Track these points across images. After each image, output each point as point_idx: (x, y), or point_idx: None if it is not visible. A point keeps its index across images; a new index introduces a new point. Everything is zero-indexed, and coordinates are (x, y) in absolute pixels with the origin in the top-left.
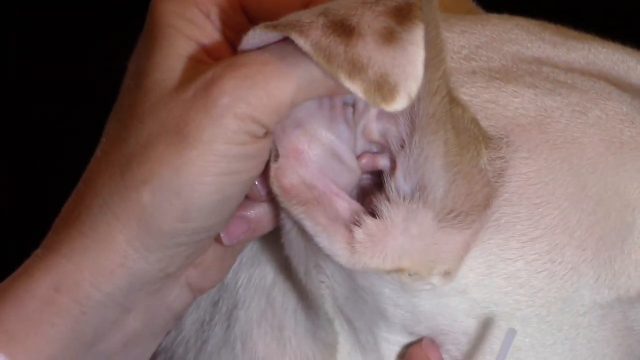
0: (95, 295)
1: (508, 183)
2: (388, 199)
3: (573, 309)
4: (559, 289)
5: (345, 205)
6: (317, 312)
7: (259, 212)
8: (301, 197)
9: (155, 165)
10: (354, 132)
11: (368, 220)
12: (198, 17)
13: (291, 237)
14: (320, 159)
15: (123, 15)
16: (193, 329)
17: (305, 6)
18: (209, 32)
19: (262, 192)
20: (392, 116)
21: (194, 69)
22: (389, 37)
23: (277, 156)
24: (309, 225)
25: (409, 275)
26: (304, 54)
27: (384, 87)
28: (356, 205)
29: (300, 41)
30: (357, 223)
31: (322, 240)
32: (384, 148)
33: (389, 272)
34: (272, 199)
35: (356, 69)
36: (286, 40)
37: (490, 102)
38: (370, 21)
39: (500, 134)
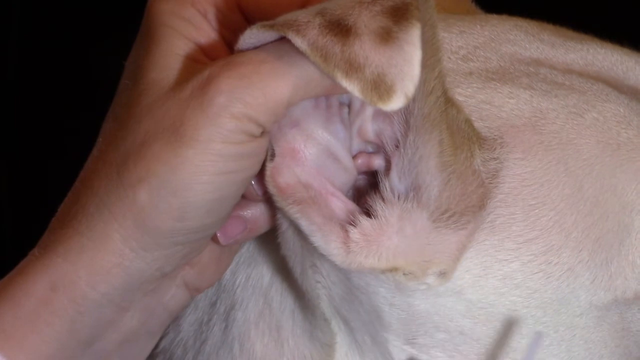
0: (91, 294)
1: (502, 184)
2: (383, 199)
3: (569, 310)
4: (555, 290)
5: (341, 205)
6: (314, 312)
7: (256, 212)
8: (297, 196)
9: (151, 164)
10: (350, 132)
11: (363, 220)
12: (195, 17)
13: (287, 236)
14: (316, 158)
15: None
16: (191, 330)
17: (302, 6)
18: (205, 32)
19: (259, 191)
20: (387, 116)
21: (191, 69)
22: (386, 37)
23: (273, 155)
24: (304, 224)
25: (404, 274)
26: (301, 53)
27: (380, 87)
28: (351, 205)
29: (297, 41)
30: (352, 223)
31: (317, 239)
32: (379, 148)
33: (383, 271)
34: (269, 199)
35: (353, 68)
36: (283, 39)
37: (486, 103)
38: (367, 21)
39: (495, 135)
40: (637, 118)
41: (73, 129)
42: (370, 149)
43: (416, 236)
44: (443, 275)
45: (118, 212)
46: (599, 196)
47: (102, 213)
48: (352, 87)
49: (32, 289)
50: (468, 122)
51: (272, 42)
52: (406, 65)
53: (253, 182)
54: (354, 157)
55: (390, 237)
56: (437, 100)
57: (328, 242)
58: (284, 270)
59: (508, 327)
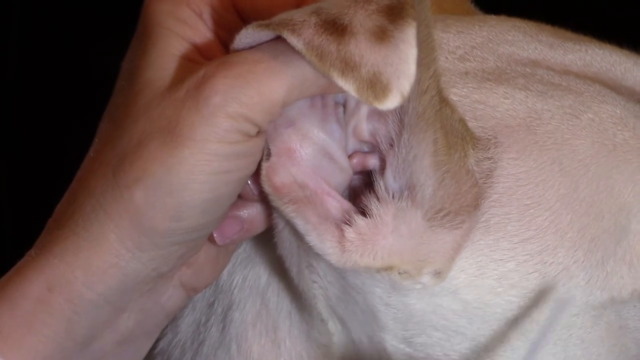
0: (88, 295)
1: (497, 184)
2: (378, 198)
3: (566, 310)
4: (551, 289)
5: (336, 204)
6: (310, 313)
7: (252, 212)
8: (292, 196)
9: (147, 164)
10: (345, 131)
11: (358, 220)
12: (190, 17)
13: (283, 236)
14: (312, 158)
15: (123, 15)
16: (189, 331)
17: (298, 5)
18: (201, 32)
19: (255, 191)
20: (382, 116)
21: (187, 69)
22: (382, 36)
23: (269, 155)
24: (299, 224)
25: (399, 274)
26: (297, 53)
27: (376, 86)
28: (347, 205)
29: (293, 40)
30: (347, 222)
31: (313, 239)
32: (374, 148)
33: (378, 270)
34: (265, 199)
35: (349, 67)
36: (278, 39)
37: (480, 103)
38: (363, 20)
39: (489, 135)
40: (634, 119)
41: (73, 129)
42: (365, 149)
43: (411, 235)
44: (438, 274)
45: (114, 213)
46: (594, 196)
47: (98, 213)
48: (348, 86)
49: (28, 290)
50: (462, 121)
51: (267, 41)
52: (402, 64)
53: (249, 182)
54: (350, 156)
55: (385, 236)
56: (432, 100)
57: (323, 241)
58: (280, 270)
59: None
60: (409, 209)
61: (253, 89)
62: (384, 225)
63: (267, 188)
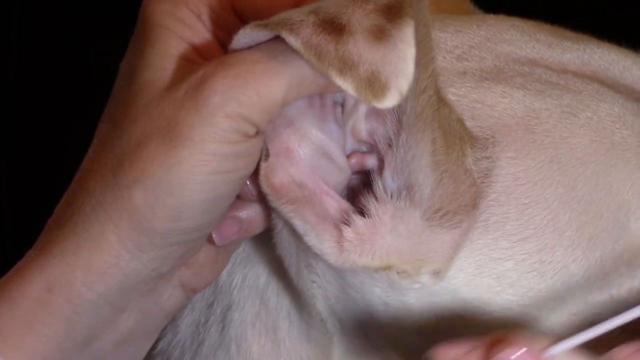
0: (87, 295)
1: (495, 183)
2: (376, 198)
3: (565, 308)
4: (550, 288)
5: (335, 204)
6: (310, 313)
7: (251, 213)
8: (290, 195)
9: (146, 164)
10: (344, 131)
11: (357, 219)
12: (189, 17)
13: (282, 236)
14: (310, 157)
15: (123, 15)
16: (189, 332)
17: (296, 5)
18: (200, 32)
19: (254, 191)
20: (380, 115)
21: (185, 69)
22: (380, 35)
23: (267, 155)
24: (298, 224)
25: (397, 273)
26: (295, 52)
27: (375, 84)
28: (345, 205)
29: (291, 39)
30: (346, 222)
31: (311, 239)
32: (372, 148)
33: (377, 270)
34: (264, 199)
35: (347, 66)
36: (277, 39)
37: (478, 102)
38: (361, 19)
39: (487, 134)
40: (632, 118)
41: (73, 129)
42: (363, 149)
43: (409, 235)
44: (437, 274)
45: (114, 213)
46: (593, 195)
47: (98, 214)
48: (347, 85)
49: (28, 290)
50: (459, 121)
51: (266, 41)
52: (400, 62)
53: (248, 182)
54: (348, 156)
55: (383, 236)
56: (430, 99)
57: (322, 241)
58: (279, 270)
59: None
60: (408, 209)
61: (252, 89)
62: (383, 225)
63: (265, 188)
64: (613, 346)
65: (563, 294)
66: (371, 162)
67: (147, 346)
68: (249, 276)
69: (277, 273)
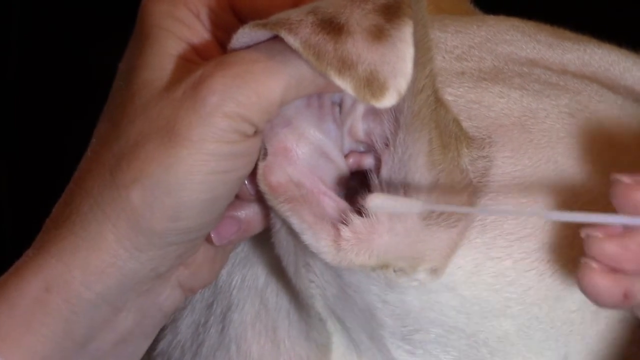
0: (85, 294)
1: (493, 182)
2: None
3: (565, 307)
4: (549, 287)
5: (332, 203)
6: (309, 313)
7: (250, 213)
8: (288, 195)
9: (144, 164)
10: (342, 131)
11: (354, 219)
12: (188, 17)
13: (281, 236)
14: (308, 157)
15: (123, 15)
16: (189, 332)
17: (294, 5)
18: (198, 32)
19: (252, 191)
20: (377, 115)
21: (184, 69)
22: (378, 35)
23: (265, 154)
24: (295, 223)
25: (394, 272)
26: (293, 52)
27: (373, 84)
28: (343, 204)
29: (290, 39)
30: (344, 221)
31: (308, 238)
32: (370, 147)
33: (374, 269)
34: (262, 199)
35: (346, 66)
36: (275, 38)
37: (475, 103)
38: (359, 19)
39: (483, 135)
40: (631, 118)
41: (73, 129)
42: (361, 148)
43: (407, 234)
44: (434, 272)
45: (112, 213)
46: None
47: (96, 213)
48: (345, 84)
49: (26, 289)
50: (456, 121)
51: (264, 41)
52: (399, 62)
53: (246, 182)
54: (346, 156)
55: (381, 235)
56: (428, 99)
57: (319, 240)
58: (278, 270)
59: None
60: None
61: (250, 89)
62: (380, 224)
63: (263, 187)
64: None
65: (562, 292)
66: (368, 161)
67: (146, 346)
68: (248, 276)
69: (276, 273)
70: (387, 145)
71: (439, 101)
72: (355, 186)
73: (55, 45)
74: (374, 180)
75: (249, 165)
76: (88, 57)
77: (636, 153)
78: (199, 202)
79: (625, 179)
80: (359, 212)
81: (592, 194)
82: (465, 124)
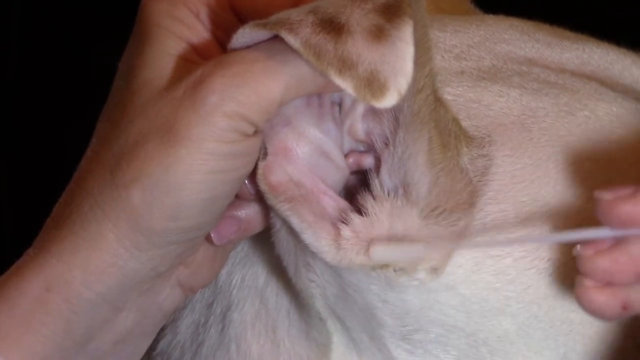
0: (86, 294)
1: (492, 181)
2: (373, 197)
3: (564, 306)
4: (548, 285)
5: (332, 203)
6: (309, 312)
7: (250, 212)
8: (288, 194)
9: (144, 163)
10: (341, 130)
11: (354, 218)
12: (187, 17)
13: (281, 236)
14: (308, 156)
15: (123, 15)
16: (189, 332)
17: (294, 5)
18: (198, 32)
19: (252, 191)
20: (377, 115)
21: (184, 68)
22: (378, 35)
23: (265, 154)
24: (295, 222)
25: (394, 271)
26: (294, 51)
27: (373, 84)
28: (343, 203)
29: (290, 39)
30: (343, 221)
31: (308, 237)
32: (369, 147)
33: (374, 268)
34: (262, 198)
35: (346, 65)
36: (276, 38)
37: (474, 102)
38: (360, 19)
39: (483, 134)
40: (631, 117)
41: (73, 129)
42: (361, 148)
43: (407, 233)
44: (434, 271)
45: (112, 212)
46: (591, 193)
47: (96, 213)
48: (346, 84)
49: (27, 289)
50: (455, 120)
51: (264, 41)
52: (399, 62)
53: (246, 182)
54: (346, 155)
55: (380, 234)
56: (427, 98)
57: (319, 239)
58: (278, 270)
59: None
60: (405, 207)
61: (250, 88)
62: (380, 223)
63: (263, 186)
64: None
65: (562, 291)
66: (368, 161)
67: (146, 345)
68: (248, 276)
69: (276, 273)
70: (386, 144)
71: (438, 100)
72: (355, 186)
73: (55, 45)
74: (374, 180)
75: (248, 165)
76: (88, 57)
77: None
78: (199, 202)
79: (607, 195)
80: (359, 211)
81: (592, 194)
82: (464, 123)
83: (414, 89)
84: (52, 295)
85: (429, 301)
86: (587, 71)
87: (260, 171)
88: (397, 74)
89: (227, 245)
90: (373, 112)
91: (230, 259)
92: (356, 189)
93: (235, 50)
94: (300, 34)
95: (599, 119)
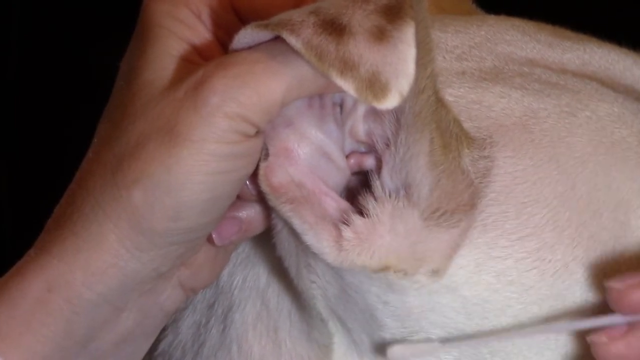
0: (87, 295)
1: (494, 182)
2: (375, 198)
3: (565, 306)
4: (550, 286)
5: (334, 204)
6: (310, 313)
7: (251, 213)
8: (289, 195)
9: (145, 164)
10: (343, 131)
11: (356, 219)
12: (189, 18)
13: (282, 237)
14: (309, 157)
15: (123, 15)
16: (190, 333)
17: (296, 6)
18: (200, 32)
19: (253, 192)
20: (378, 116)
21: (185, 69)
22: (380, 36)
23: (266, 155)
24: (296, 223)
25: (395, 273)
26: (295, 52)
27: (375, 85)
28: (344, 204)
29: (292, 40)
30: (345, 222)
31: (310, 238)
32: (370, 148)
33: (375, 270)
34: (264, 199)
35: (348, 67)
36: (277, 39)
37: (476, 103)
38: (361, 20)
39: (484, 135)
40: (632, 117)
41: (73, 129)
42: (362, 149)
43: (408, 234)
44: (435, 272)
45: (113, 213)
46: (592, 194)
47: (97, 214)
48: (347, 85)
49: (28, 290)
50: (456, 122)
51: (266, 41)
52: (400, 63)
53: (248, 183)
54: (347, 157)
55: (382, 236)
56: (429, 99)
57: (320, 240)
58: (280, 271)
59: None
60: (406, 208)
61: (251, 89)
62: (381, 225)
63: (264, 187)
64: None
65: (563, 292)
66: (369, 162)
67: (146, 346)
68: (249, 277)
69: (277, 274)
70: (388, 145)
71: (440, 101)
72: (356, 187)
73: (55, 45)
74: (375, 181)
75: (250, 166)
76: (88, 57)
77: (637, 151)
78: (200, 202)
79: (617, 284)
80: (361, 212)
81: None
82: (466, 125)
83: (416, 90)
84: (53, 295)
85: (429, 303)
86: (589, 71)
87: (261, 172)
88: (399, 75)
89: (228, 246)
90: (374, 113)
91: (231, 260)
92: (357, 190)
93: (236, 51)
94: (301, 35)
95: (600, 120)
